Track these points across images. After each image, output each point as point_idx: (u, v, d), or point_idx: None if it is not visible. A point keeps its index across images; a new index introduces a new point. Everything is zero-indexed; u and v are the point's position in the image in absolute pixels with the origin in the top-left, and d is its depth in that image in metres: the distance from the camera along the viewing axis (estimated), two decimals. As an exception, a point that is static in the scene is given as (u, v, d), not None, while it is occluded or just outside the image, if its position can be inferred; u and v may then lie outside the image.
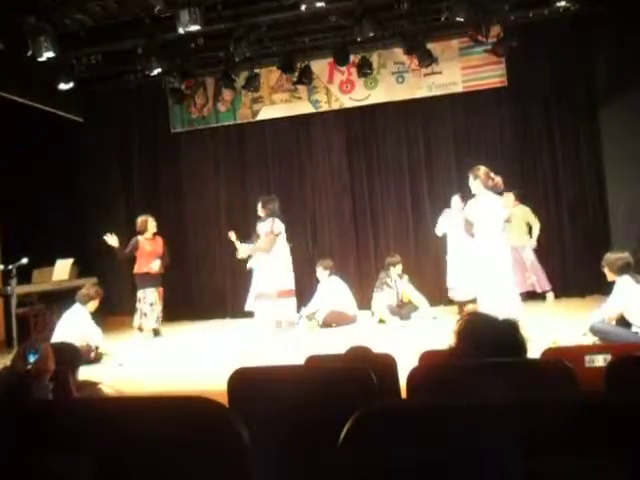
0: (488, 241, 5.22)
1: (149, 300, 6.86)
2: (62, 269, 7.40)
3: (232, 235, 6.97)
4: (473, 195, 5.41)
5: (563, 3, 6.00)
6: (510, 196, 7.42)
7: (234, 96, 8.49)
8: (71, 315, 5.90)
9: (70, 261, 7.49)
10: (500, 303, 4.75)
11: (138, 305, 6.87)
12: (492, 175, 5.38)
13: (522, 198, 7.50)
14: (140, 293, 6.87)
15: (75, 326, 5.73)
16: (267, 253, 6.04)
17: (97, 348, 5.79)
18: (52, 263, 7.32)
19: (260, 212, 6.20)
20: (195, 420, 0.81)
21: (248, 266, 7.08)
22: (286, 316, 6.10)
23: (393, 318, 6.92)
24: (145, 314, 6.84)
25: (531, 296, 7.44)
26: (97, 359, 5.74)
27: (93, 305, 6.06)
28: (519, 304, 5.21)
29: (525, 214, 7.46)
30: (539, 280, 7.42)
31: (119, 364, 5.63)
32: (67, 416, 0.89)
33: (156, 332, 7.11)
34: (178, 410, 0.83)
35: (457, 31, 7.49)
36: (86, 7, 6.42)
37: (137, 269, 6.95)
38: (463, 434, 0.80)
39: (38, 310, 7.12)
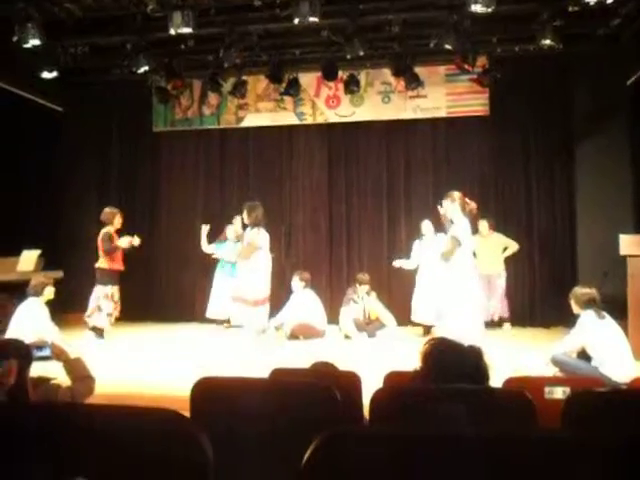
0: (464, 266, 5.32)
1: (115, 298, 6.64)
2: (28, 260, 7.20)
3: (205, 229, 7.46)
4: (448, 220, 5.51)
5: (548, 41, 6.18)
6: (484, 224, 7.61)
7: (220, 101, 8.47)
8: (25, 309, 5.64)
9: (37, 252, 7.29)
10: (462, 328, 4.81)
11: (106, 303, 6.56)
12: (467, 200, 5.50)
13: (495, 226, 7.71)
14: (108, 289, 6.60)
15: (29, 321, 5.53)
16: (246, 260, 6.24)
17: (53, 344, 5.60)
18: (18, 253, 7.13)
19: (246, 220, 6.34)
20: (159, 432, 0.80)
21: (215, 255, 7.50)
22: (259, 324, 6.24)
23: (359, 334, 6.94)
24: (109, 314, 6.60)
25: (489, 324, 7.58)
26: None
27: (49, 291, 5.66)
28: (482, 331, 5.29)
29: (500, 240, 7.65)
30: (502, 308, 7.62)
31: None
32: (27, 423, 0.87)
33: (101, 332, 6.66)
34: (142, 421, 0.82)
35: (444, 58, 7.64)
36: (78, -2, 6.36)
37: (110, 264, 6.58)
38: (421, 462, 0.81)
39: (-1, 300, 6.90)
